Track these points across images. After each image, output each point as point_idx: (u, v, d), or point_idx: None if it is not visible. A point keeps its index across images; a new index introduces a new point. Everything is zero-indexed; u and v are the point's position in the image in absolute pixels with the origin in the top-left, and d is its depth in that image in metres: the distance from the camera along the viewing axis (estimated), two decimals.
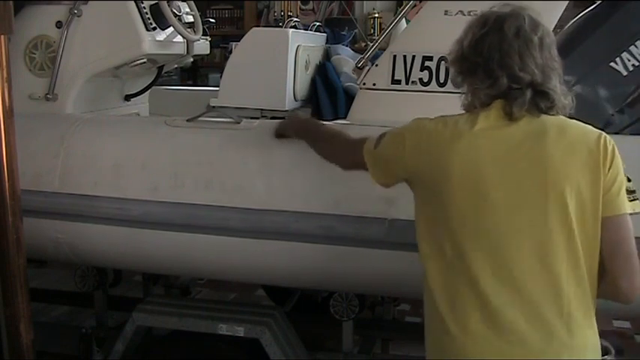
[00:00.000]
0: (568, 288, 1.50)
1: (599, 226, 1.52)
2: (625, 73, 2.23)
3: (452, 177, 1.53)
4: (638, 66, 2.22)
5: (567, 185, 1.49)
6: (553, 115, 1.56)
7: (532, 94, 1.53)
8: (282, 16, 6.05)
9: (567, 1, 2.27)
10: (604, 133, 1.56)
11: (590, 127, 1.59)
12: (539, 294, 1.49)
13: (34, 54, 2.82)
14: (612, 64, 2.23)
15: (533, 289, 1.49)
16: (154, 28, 2.86)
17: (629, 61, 2.22)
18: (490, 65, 1.54)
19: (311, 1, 6.57)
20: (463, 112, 1.64)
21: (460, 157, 1.53)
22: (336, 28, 3.73)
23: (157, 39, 2.88)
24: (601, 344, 1.58)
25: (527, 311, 1.49)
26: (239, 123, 2.48)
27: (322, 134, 2.10)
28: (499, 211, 1.51)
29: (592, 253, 1.53)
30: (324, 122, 2.15)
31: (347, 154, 1.92)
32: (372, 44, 2.74)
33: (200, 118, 2.51)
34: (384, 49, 2.52)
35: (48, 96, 2.78)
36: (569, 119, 1.58)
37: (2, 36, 1.97)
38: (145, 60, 2.91)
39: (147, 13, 2.84)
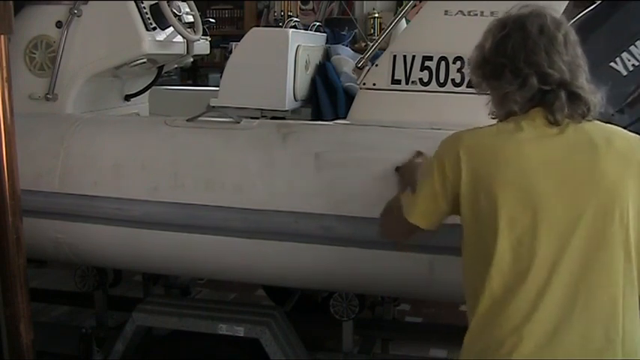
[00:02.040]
0: (625, 305, 1.45)
1: None
2: (625, 73, 2.23)
3: (504, 190, 1.46)
4: (638, 66, 2.22)
5: (624, 200, 1.46)
6: (590, 120, 1.52)
7: (566, 95, 1.48)
8: (282, 16, 6.04)
9: (567, 1, 2.27)
10: None
11: (628, 133, 1.56)
12: (597, 312, 1.44)
13: (34, 54, 2.82)
14: (612, 64, 2.23)
15: (589, 308, 1.44)
16: (154, 28, 2.86)
17: (629, 61, 2.22)
18: (517, 64, 1.50)
19: (311, 1, 6.57)
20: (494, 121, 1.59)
21: (510, 167, 1.47)
22: (336, 28, 3.73)
23: (157, 39, 2.88)
24: None
25: (583, 329, 1.44)
26: (239, 123, 2.48)
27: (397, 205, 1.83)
28: (553, 228, 1.45)
29: None
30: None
31: (396, 228, 1.79)
32: (372, 44, 2.73)
33: (200, 118, 2.51)
34: (384, 49, 2.52)
35: (48, 96, 2.78)
36: (607, 126, 1.55)
37: (2, 36, 1.97)
38: (145, 60, 2.91)
39: (147, 13, 2.84)
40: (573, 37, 1.54)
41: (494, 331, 1.47)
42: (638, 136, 1.56)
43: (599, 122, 1.55)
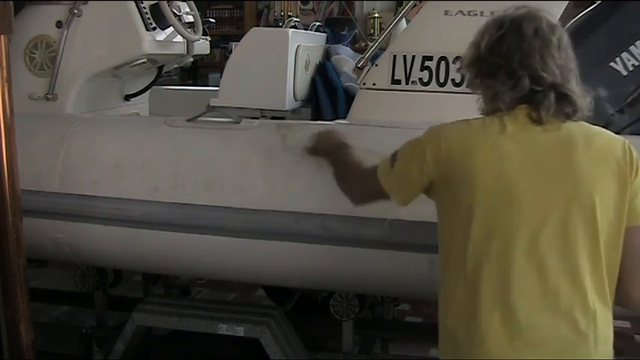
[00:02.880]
0: (592, 300, 1.48)
1: (622, 236, 1.51)
2: (625, 73, 2.23)
3: (479, 179, 1.50)
4: (638, 66, 2.22)
5: (596, 196, 1.49)
6: (575, 120, 1.55)
7: (555, 96, 1.51)
8: (282, 16, 6.04)
9: (567, 1, 2.27)
10: (626, 141, 1.56)
11: (612, 134, 1.58)
12: (565, 303, 1.47)
13: (34, 54, 2.82)
14: (612, 64, 2.23)
15: (558, 298, 1.47)
16: (154, 28, 2.86)
17: (629, 61, 2.22)
18: (511, 66, 1.52)
19: (311, 1, 6.57)
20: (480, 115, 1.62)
21: (487, 161, 1.51)
22: (336, 28, 3.73)
23: (157, 39, 2.88)
24: None
25: (552, 317, 1.47)
26: (239, 123, 2.48)
27: (347, 166, 2.01)
28: (526, 218, 1.48)
29: (613, 263, 1.52)
30: (350, 151, 2.05)
31: (361, 186, 1.88)
32: (372, 44, 2.73)
33: (200, 118, 2.51)
34: (384, 49, 2.52)
35: (48, 96, 2.78)
36: (592, 126, 1.57)
37: (2, 36, 1.97)
38: (145, 60, 2.91)
39: (147, 13, 2.84)
40: (566, 40, 1.56)
41: (469, 320, 1.51)
42: (621, 137, 1.58)
43: (584, 123, 1.57)
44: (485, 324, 1.48)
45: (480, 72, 1.61)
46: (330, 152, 2.12)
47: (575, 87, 1.54)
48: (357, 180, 1.92)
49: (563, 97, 1.52)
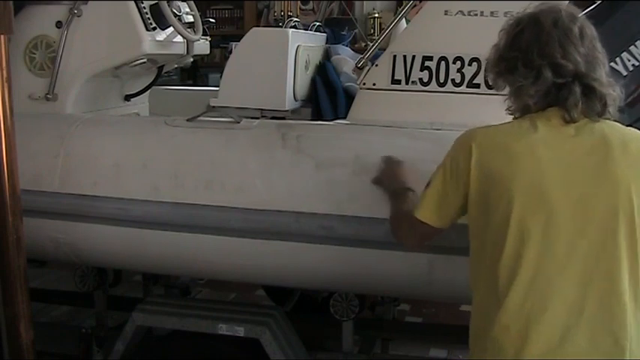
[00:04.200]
0: (631, 310, 1.44)
1: None
2: (625, 73, 2.23)
3: (514, 187, 1.45)
4: (638, 66, 2.22)
5: (633, 202, 1.45)
6: (608, 118, 1.52)
7: (581, 89, 1.47)
8: (282, 16, 6.04)
9: (567, 1, 2.27)
10: None
11: None
12: (607, 317, 1.43)
13: (34, 54, 2.82)
14: (612, 64, 2.23)
15: (596, 312, 1.43)
16: (154, 28, 2.86)
17: (629, 61, 2.22)
18: (530, 56, 1.49)
19: (311, 1, 6.57)
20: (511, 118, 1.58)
21: (521, 167, 1.46)
22: (336, 28, 3.72)
23: (157, 39, 2.88)
24: None
25: (592, 334, 1.43)
26: (239, 123, 2.48)
27: (399, 212, 1.87)
28: (565, 228, 1.44)
29: None
30: (407, 197, 1.89)
31: (407, 230, 1.79)
32: (372, 44, 2.73)
33: (200, 118, 2.51)
34: (384, 49, 2.51)
35: (48, 96, 2.78)
36: (626, 129, 1.54)
37: (2, 36, 1.97)
38: (145, 60, 2.91)
39: (147, 13, 2.84)
40: (590, 31, 1.53)
41: (501, 330, 1.47)
42: None
43: (617, 124, 1.54)
44: (522, 333, 1.44)
45: (500, 70, 1.58)
46: (391, 195, 2.00)
47: (602, 77, 1.50)
48: (403, 225, 1.81)
49: (589, 90, 1.48)
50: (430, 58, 2.36)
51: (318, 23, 3.63)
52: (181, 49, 3.09)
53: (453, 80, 2.33)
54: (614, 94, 1.52)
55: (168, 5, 2.84)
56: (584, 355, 1.42)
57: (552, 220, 1.44)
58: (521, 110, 1.57)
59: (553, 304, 1.43)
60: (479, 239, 1.56)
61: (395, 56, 2.41)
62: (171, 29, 2.94)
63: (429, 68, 2.37)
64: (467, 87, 2.29)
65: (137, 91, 3.24)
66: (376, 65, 2.47)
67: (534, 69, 1.49)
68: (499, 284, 1.47)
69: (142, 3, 2.83)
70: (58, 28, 2.78)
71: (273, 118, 2.88)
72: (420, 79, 2.37)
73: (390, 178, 2.04)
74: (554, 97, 1.50)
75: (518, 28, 1.54)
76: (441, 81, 2.35)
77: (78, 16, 2.76)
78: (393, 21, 2.80)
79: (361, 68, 2.56)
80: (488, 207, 1.51)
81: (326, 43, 3.44)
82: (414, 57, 2.38)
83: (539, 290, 1.44)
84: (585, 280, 1.43)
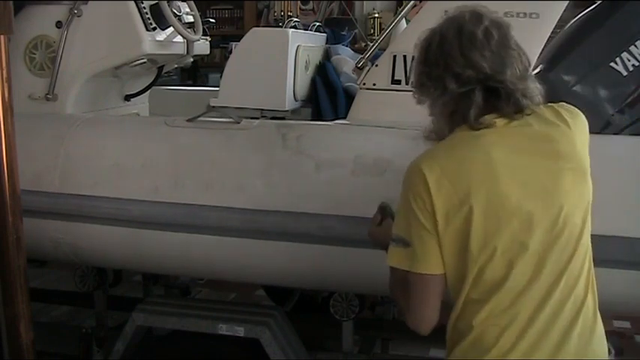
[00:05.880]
0: (586, 293, 1.47)
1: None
2: (625, 73, 2.22)
3: (477, 198, 1.42)
4: (638, 66, 2.22)
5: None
6: (532, 110, 1.48)
7: (486, 93, 1.44)
8: (282, 16, 6.06)
9: (567, 1, 2.27)
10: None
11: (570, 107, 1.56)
12: (565, 306, 1.45)
13: (34, 54, 2.82)
14: (612, 64, 2.23)
15: (557, 301, 1.44)
16: (154, 28, 2.86)
17: (629, 61, 2.22)
18: (436, 70, 1.48)
19: (311, 1, 6.58)
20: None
21: (481, 177, 1.43)
22: (336, 28, 3.72)
23: (157, 39, 2.88)
24: None
25: (552, 320, 1.44)
26: (239, 123, 2.48)
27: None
28: (539, 228, 1.44)
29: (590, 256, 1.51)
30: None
31: (402, 292, 1.59)
32: (372, 44, 2.73)
33: (200, 118, 2.51)
34: (384, 49, 2.52)
35: (48, 96, 2.78)
36: (546, 109, 1.51)
37: (2, 36, 1.97)
38: (145, 60, 2.91)
39: (147, 13, 2.84)
40: (498, 29, 1.47)
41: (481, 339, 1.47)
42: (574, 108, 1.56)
43: (540, 108, 1.50)
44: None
45: (416, 86, 1.56)
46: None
47: (512, 75, 1.45)
48: (397, 288, 1.62)
49: (494, 92, 1.44)
50: None
51: (318, 23, 3.63)
52: (181, 49, 3.09)
53: None
54: (532, 85, 1.48)
55: (169, 5, 2.84)
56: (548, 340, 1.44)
57: (515, 217, 1.43)
58: (450, 127, 1.51)
59: (521, 314, 1.44)
60: (452, 262, 1.51)
61: (395, 56, 2.41)
62: (171, 29, 2.94)
63: None
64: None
65: (137, 91, 3.24)
66: (376, 65, 2.47)
67: (440, 82, 1.47)
68: (470, 294, 1.47)
69: (142, 3, 2.83)
70: (58, 28, 2.78)
71: (273, 118, 2.88)
72: None
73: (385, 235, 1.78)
74: (457, 109, 1.47)
75: (426, 42, 1.53)
76: None
77: (78, 16, 2.76)
78: (393, 21, 2.80)
79: (361, 68, 2.56)
80: (456, 228, 1.45)
81: (326, 43, 3.44)
82: (414, 57, 2.37)
83: (506, 298, 1.45)
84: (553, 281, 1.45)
